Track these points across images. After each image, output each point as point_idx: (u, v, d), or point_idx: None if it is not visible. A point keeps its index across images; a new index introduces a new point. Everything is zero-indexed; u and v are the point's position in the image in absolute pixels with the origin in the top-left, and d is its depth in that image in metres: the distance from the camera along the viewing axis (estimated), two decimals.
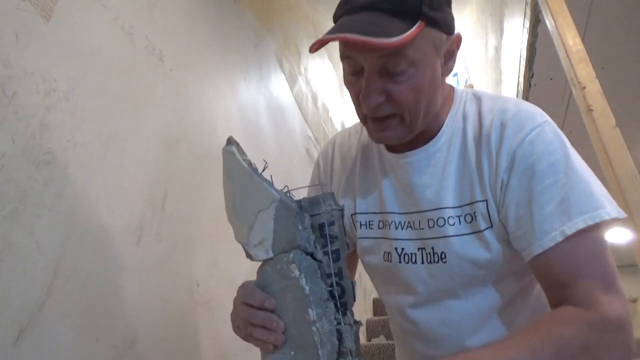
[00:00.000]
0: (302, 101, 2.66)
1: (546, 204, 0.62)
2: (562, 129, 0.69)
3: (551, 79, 2.30)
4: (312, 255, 0.57)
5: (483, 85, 3.54)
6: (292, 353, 0.57)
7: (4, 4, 0.63)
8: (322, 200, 0.58)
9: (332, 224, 0.58)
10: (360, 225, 0.80)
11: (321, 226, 0.58)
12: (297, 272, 0.56)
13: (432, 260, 0.72)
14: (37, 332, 0.61)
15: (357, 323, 0.58)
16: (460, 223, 0.70)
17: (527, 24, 2.16)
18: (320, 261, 0.57)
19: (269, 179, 0.60)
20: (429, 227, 0.72)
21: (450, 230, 0.70)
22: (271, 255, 0.58)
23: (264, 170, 0.61)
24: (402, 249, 0.75)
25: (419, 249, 0.73)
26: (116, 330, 0.78)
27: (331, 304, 0.56)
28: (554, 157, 0.63)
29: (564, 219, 0.60)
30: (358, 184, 0.82)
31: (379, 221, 0.78)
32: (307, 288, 0.56)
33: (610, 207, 0.61)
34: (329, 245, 0.58)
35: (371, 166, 0.81)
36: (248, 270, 0.88)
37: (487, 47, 3.20)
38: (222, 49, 1.72)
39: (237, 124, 1.76)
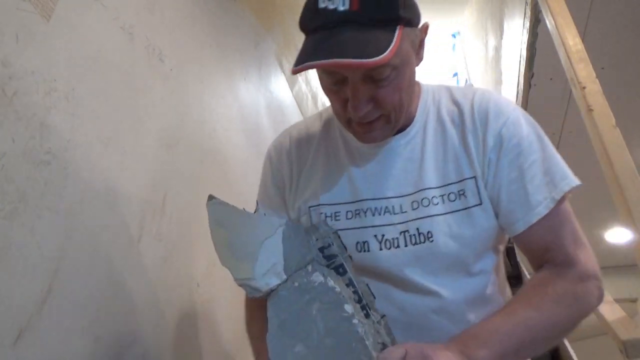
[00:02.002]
0: (302, 101, 2.66)
1: (534, 178, 0.70)
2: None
3: (551, 79, 2.30)
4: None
5: (483, 85, 3.54)
6: None
7: (4, 4, 0.63)
8: (318, 226, 0.63)
9: (330, 245, 0.62)
10: (326, 216, 0.77)
11: (321, 249, 0.62)
12: (321, 278, 0.58)
13: (418, 241, 0.72)
14: (37, 332, 0.61)
15: (384, 317, 0.61)
16: (444, 202, 0.72)
17: (527, 24, 2.16)
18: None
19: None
20: (413, 209, 0.73)
21: (435, 210, 0.72)
22: (284, 277, 0.59)
23: (255, 211, 0.65)
24: (383, 235, 0.73)
25: (400, 233, 0.72)
26: (116, 330, 0.78)
27: (358, 306, 0.58)
28: (531, 137, 0.73)
29: (551, 187, 0.69)
30: (322, 175, 0.80)
31: (347, 211, 0.76)
32: (337, 287, 0.57)
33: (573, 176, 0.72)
34: (336, 259, 0.62)
35: (336, 157, 0.80)
36: None
37: (487, 47, 3.20)
38: (222, 49, 1.72)
39: (237, 124, 1.76)
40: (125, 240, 0.86)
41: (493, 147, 0.71)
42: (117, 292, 0.81)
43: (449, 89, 0.81)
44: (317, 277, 0.58)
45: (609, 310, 1.53)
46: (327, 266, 0.61)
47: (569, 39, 1.52)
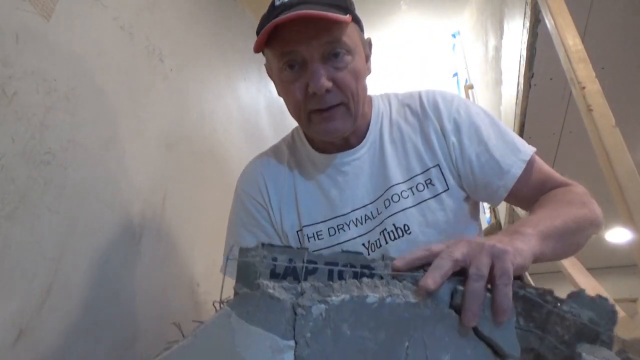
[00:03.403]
0: None
1: (497, 147, 0.75)
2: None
3: (551, 79, 2.30)
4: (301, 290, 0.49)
5: (483, 85, 3.54)
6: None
7: (4, 4, 0.63)
8: (248, 260, 0.51)
9: (274, 261, 0.51)
10: (308, 238, 0.78)
11: (274, 275, 0.51)
12: (321, 306, 0.47)
13: (396, 236, 0.74)
14: (37, 332, 0.61)
15: (384, 258, 0.53)
16: (413, 194, 0.76)
17: (527, 24, 2.15)
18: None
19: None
20: (386, 207, 0.76)
21: (406, 203, 0.75)
22: (292, 342, 0.46)
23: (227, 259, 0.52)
24: (368, 241, 0.76)
25: (380, 233, 0.75)
26: (116, 330, 0.78)
27: (366, 280, 0.50)
28: (482, 115, 0.79)
29: (517, 152, 0.74)
30: (300, 198, 0.80)
31: (329, 228, 0.77)
32: (340, 295, 0.48)
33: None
34: (294, 265, 0.52)
35: (308, 178, 0.81)
36: None
37: (487, 47, 3.20)
38: (222, 49, 1.72)
39: (237, 124, 1.76)
40: (125, 240, 0.86)
41: (452, 131, 0.77)
42: (117, 292, 0.81)
43: (395, 95, 0.87)
44: (317, 310, 0.47)
45: None
46: (297, 280, 0.50)
47: (568, 39, 1.52)
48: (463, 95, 3.85)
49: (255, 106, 2.06)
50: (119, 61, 0.93)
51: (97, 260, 0.76)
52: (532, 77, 2.32)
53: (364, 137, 0.80)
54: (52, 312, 0.64)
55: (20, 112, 0.63)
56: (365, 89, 0.76)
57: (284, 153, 0.86)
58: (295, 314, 0.47)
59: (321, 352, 0.47)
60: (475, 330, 0.48)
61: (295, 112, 0.75)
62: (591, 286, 1.75)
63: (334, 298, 0.47)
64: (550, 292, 0.48)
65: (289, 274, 0.52)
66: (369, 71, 0.77)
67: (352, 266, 0.53)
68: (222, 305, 0.46)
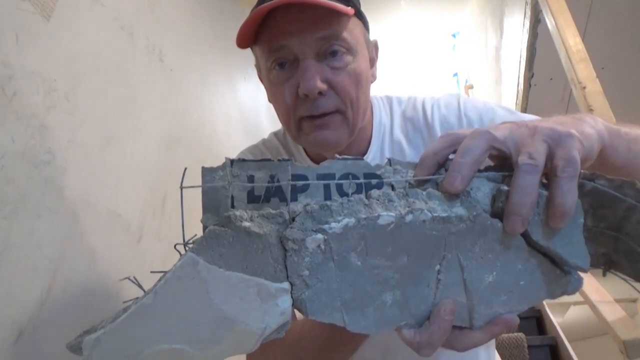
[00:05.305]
0: None
1: None
2: None
3: (551, 79, 2.30)
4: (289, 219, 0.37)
5: (483, 85, 3.54)
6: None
7: (4, 4, 0.63)
8: (215, 185, 0.38)
9: (250, 180, 0.39)
10: None
11: (250, 197, 0.39)
12: (319, 236, 0.36)
13: None
14: (37, 332, 0.61)
15: (389, 163, 0.42)
16: None
17: (527, 24, 2.16)
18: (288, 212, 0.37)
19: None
20: None
21: None
22: (286, 285, 0.36)
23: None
24: None
25: None
26: None
27: (376, 194, 0.38)
28: (490, 106, 0.69)
29: None
30: None
31: None
32: (344, 220, 0.35)
33: None
34: (275, 185, 0.39)
35: None
36: None
37: (487, 47, 3.20)
38: (222, 48, 1.71)
39: (237, 124, 1.76)
40: (125, 240, 0.86)
41: None
42: (118, 293, 0.81)
43: (398, 101, 0.77)
44: (312, 242, 0.35)
45: (609, 310, 1.53)
46: (284, 202, 0.38)
47: (569, 39, 1.52)
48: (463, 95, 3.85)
49: (255, 106, 2.06)
50: (119, 61, 0.93)
51: (97, 260, 0.76)
52: (532, 77, 2.32)
53: (363, 152, 0.72)
54: (52, 312, 0.64)
55: (20, 112, 0.63)
56: (366, 96, 0.66)
57: (279, 151, 0.79)
58: (285, 249, 0.36)
59: (326, 291, 0.36)
60: (528, 238, 0.37)
61: (284, 119, 0.66)
62: (592, 286, 1.75)
63: (333, 224, 0.35)
64: (633, 184, 0.37)
65: (273, 195, 0.39)
66: (373, 78, 0.69)
67: (354, 177, 0.40)
68: (186, 249, 0.37)
